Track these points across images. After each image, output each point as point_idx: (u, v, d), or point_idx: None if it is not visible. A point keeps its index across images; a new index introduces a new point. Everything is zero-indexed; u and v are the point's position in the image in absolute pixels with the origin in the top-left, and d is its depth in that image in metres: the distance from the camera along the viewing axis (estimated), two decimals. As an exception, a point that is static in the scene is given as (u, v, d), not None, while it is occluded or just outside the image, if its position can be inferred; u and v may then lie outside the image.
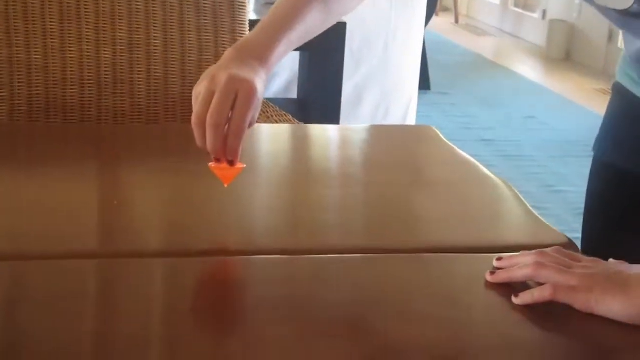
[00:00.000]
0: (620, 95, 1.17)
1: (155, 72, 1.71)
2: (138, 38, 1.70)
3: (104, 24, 1.68)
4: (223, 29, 1.73)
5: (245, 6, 1.74)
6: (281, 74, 3.20)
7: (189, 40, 1.72)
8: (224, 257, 0.96)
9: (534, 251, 0.87)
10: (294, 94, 3.18)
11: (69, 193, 1.11)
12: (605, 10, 1.02)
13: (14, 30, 1.65)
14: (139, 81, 1.71)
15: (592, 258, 0.87)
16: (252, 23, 1.74)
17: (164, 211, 1.09)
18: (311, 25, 1.13)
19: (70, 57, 1.68)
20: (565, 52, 6.59)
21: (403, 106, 3.48)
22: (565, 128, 4.65)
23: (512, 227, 1.09)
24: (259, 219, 1.10)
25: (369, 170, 1.28)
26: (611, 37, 6.00)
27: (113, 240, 0.98)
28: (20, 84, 1.67)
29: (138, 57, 1.70)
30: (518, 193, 1.17)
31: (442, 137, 1.40)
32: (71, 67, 1.68)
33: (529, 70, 6.37)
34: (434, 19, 6.24)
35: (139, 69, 1.71)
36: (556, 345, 0.80)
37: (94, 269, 0.91)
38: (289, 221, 1.09)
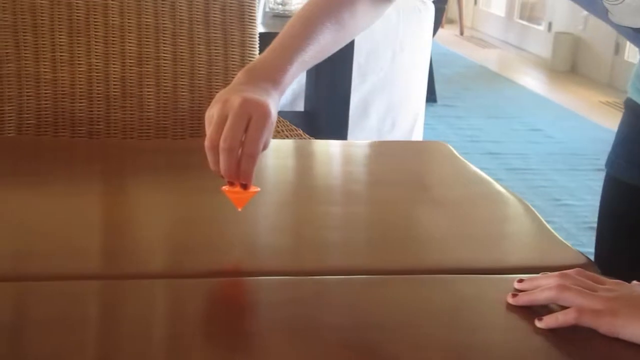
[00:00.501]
0: (632, 111, 1.16)
1: (164, 86, 1.70)
2: (147, 52, 1.68)
3: (113, 37, 1.67)
4: (233, 43, 1.71)
5: (255, 20, 1.73)
6: (287, 87, 3.19)
7: (199, 54, 1.70)
8: (227, 279, 0.94)
9: (555, 273, 0.86)
10: (300, 107, 3.17)
11: (74, 211, 1.10)
12: (620, 28, 1.01)
13: (23, 43, 1.64)
14: (148, 95, 1.70)
15: (615, 280, 0.85)
16: (260, 36, 1.73)
17: (168, 231, 1.07)
18: (324, 45, 1.12)
19: (79, 71, 1.67)
20: (571, 64, 6.58)
21: (410, 119, 3.47)
22: (571, 141, 4.64)
23: (530, 247, 1.07)
24: (268, 238, 1.08)
25: (381, 188, 1.26)
26: (617, 50, 5.99)
27: (116, 261, 0.97)
28: (28, 98, 1.65)
29: (147, 71, 1.69)
30: (535, 211, 1.15)
31: (456, 153, 1.39)
32: (80, 81, 1.67)
33: (534, 82, 6.36)
34: (439, 30, 6.23)
35: (148, 83, 1.69)
36: (579, 370, 0.79)
37: (96, 291, 0.90)
38: (295, 241, 1.08)
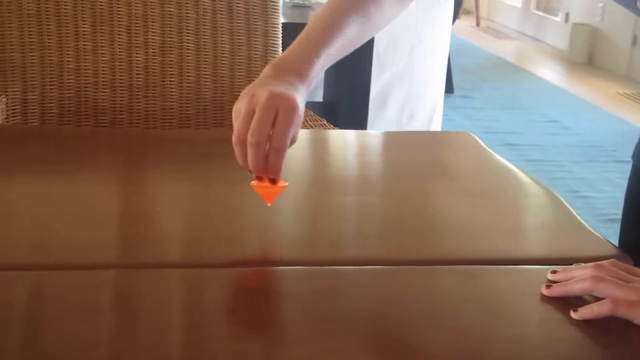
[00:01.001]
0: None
1: (187, 76, 1.69)
2: (170, 41, 1.68)
3: (137, 26, 1.67)
4: (256, 32, 1.71)
5: (278, 10, 1.73)
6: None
7: (222, 44, 1.70)
8: (245, 268, 0.94)
9: (589, 264, 0.85)
10: (319, 97, 3.16)
11: (96, 200, 1.10)
12: None
13: (47, 32, 1.64)
14: (171, 84, 1.69)
15: (650, 272, 0.84)
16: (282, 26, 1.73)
17: (188, 220, 1.07)
18: (350, 38, 1.11)
19: (102, 60, 1.67)
20: (588, 55, 6.55)
21: (429, 109, 3.46)
22: (588, 132, 4.62)
23: (561, 238, 1.06)
24: (291, 229, 1.08)
25: (408, 179, 1.25)
26: (635, 41, 5.95)
27: (135, 251, 0.97)
28: (52, 87, 1.65)
29: (170, 61, 1.69)
30: (564, 202, 1.14)
31: (482, 144, 1.38)
32: (103, 70, 1.67)
33: (551, 73, 6.33)
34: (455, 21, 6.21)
35: (171, 72, 1.69)
36: (615, 362, 0.78)
37: (114, 280, 0.90)
38: (312, 231, 1.07)
